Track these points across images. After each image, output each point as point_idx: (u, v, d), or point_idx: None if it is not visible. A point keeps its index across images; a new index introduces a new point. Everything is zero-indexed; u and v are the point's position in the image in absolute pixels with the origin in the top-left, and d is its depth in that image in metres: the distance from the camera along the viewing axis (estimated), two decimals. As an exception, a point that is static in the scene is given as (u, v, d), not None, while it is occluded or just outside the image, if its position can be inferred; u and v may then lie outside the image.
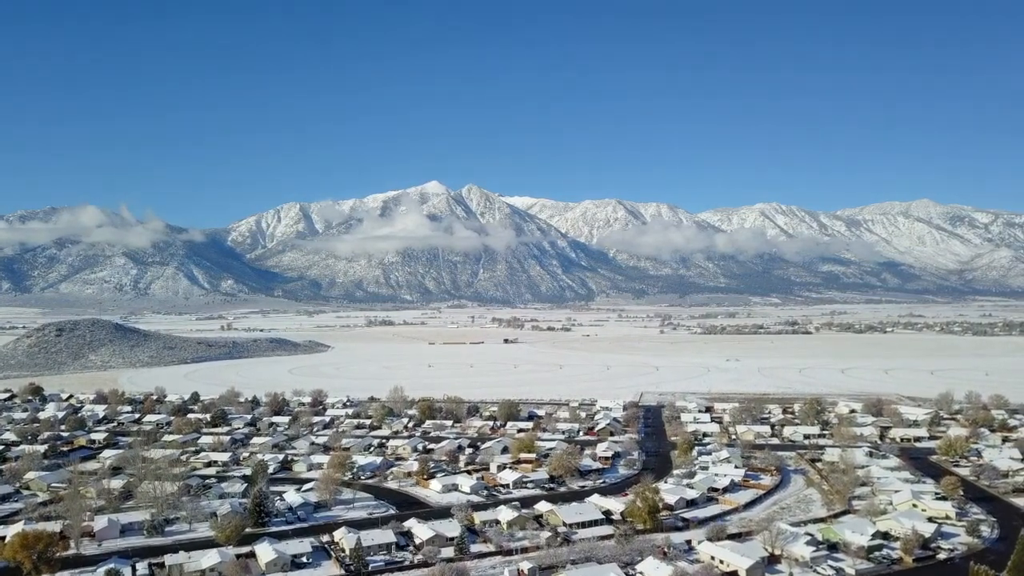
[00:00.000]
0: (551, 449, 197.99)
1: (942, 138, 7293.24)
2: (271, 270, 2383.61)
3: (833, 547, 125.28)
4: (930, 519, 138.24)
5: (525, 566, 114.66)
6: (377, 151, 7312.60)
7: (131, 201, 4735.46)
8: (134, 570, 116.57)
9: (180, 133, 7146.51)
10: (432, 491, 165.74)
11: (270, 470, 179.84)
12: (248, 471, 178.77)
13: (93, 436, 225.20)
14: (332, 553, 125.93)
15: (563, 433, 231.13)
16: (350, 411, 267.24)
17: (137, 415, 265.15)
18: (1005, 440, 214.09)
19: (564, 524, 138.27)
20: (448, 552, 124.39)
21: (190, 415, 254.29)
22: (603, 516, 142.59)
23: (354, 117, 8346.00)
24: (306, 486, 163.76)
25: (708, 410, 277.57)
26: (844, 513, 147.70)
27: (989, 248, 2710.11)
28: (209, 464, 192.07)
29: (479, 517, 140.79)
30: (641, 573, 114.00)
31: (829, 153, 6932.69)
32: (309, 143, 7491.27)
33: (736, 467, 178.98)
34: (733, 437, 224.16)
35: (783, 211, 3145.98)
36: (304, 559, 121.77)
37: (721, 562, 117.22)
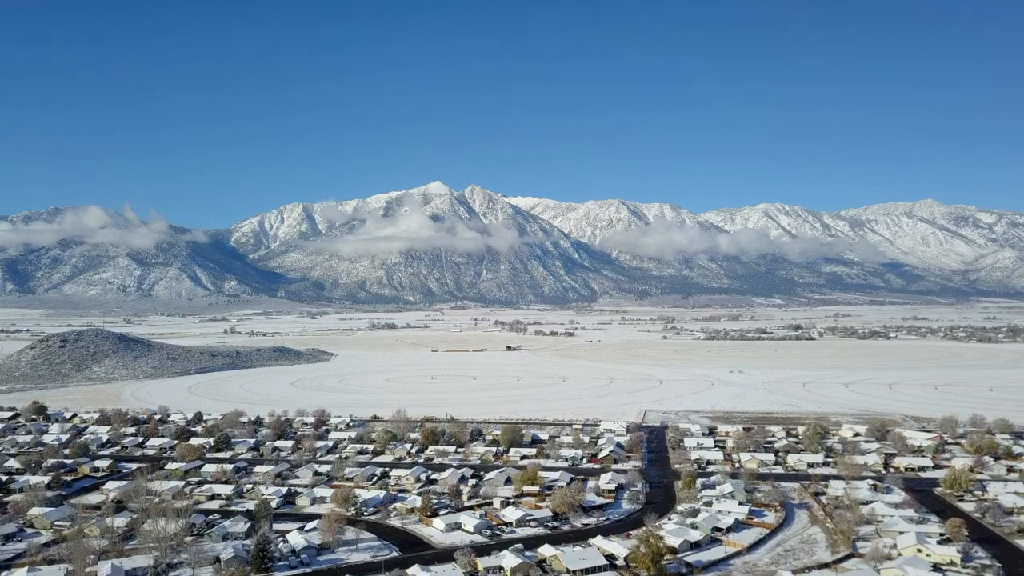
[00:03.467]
0: (554, 481, 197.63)
1: (945, 138, 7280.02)
2: (274, 271, 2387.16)
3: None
4: (935, 566, 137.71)
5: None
6: (380, 151, 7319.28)
7: (135, 202, 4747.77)
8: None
9: (184, 134, 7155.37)
10: (435, 530, 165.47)
11: (273, 504, 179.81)
12: (251, 505, 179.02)
13: (96, 463, 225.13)
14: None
15: (566, 460, 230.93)
16: (353, 434, 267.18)
17: (141, 438, 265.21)
18: (1010, 470, 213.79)
19: (568, 571, 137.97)
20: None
21: (193, 439, 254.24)
22: (607, 561, 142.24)
23: (356, 118, 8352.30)
24: (309, 525, 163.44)
25: (712, 431, 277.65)
26: (848, 557, 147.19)
27: (993, 248, 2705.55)
28: (212, 497, 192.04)
29: (482, 563, 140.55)
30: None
31: (832, 153, 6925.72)
32: (312, 143, 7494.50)
33: (740, 503, 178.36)
34: (737, 465, 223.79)
35: (786, 211, 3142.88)
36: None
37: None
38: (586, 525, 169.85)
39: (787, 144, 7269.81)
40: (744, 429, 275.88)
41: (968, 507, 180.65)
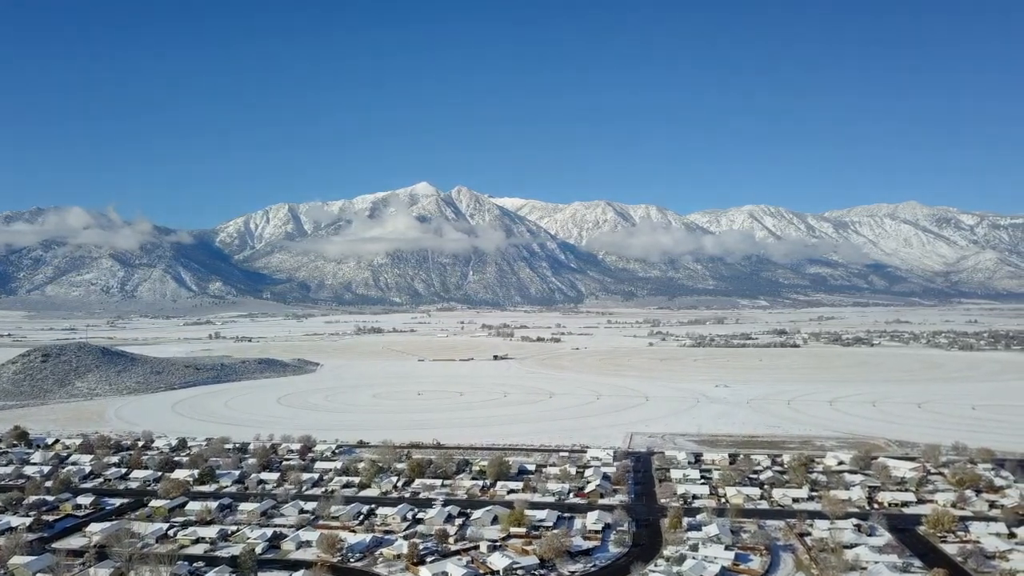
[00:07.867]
0: (541, 521, 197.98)
1: (928, 140, 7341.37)
2: (260, 272, 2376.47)
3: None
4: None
5: None
6: (366, 152, 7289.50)
7: (118, 202, 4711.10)
8: None
9: (169, 134, 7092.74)
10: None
11: (258, 550, 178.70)
12: (236, 550, 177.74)
13: (79, 500, 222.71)
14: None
15: (553, 495, 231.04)
16: (339, 464, 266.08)
17: (124, 470, 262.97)
18: (992, 505, 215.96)
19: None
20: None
21: (177, 471, 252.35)
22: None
23: (343, 117, 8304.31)
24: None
25: (698, 459, 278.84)
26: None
27: (975, 250, 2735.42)
28: (197, 541, 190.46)
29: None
30: None
31: (816, 154, 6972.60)
32: (297, 143, 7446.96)
33: (726, 548, 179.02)
34: (723, 500, 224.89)
35: (771, 213, 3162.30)
36: None
37: None
38: (572, 573, 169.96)
39: (772, 146, 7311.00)
40: (730, 456, 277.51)
41: (951, 549, 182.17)
